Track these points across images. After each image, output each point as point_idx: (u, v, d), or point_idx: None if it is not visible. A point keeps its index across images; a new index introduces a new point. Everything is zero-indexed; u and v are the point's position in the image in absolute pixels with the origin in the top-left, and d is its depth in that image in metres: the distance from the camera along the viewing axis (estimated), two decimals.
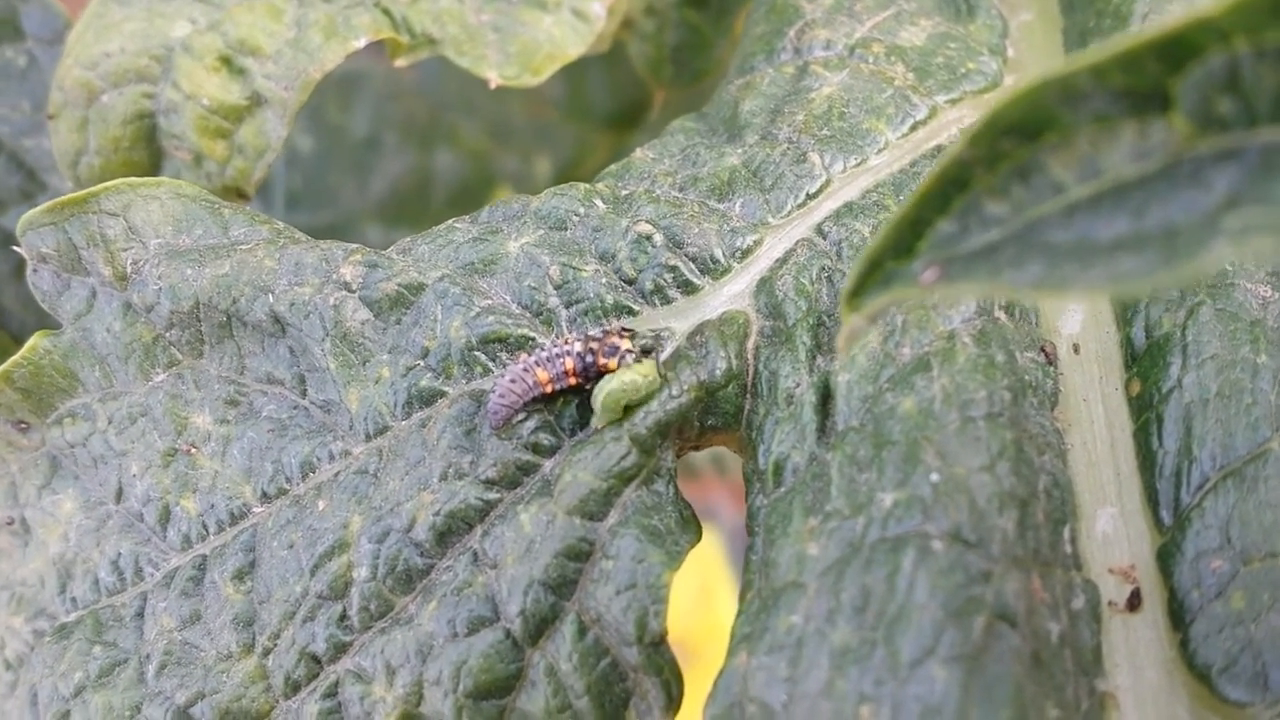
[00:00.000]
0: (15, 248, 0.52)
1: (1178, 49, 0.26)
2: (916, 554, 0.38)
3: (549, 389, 0.45)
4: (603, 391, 0.44)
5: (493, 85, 0.59)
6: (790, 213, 0.49)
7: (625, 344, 0.45)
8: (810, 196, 0.49)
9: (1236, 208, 0.25)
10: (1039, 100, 0.27)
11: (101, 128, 0.59)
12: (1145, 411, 0.44)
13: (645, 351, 0.46)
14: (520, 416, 0.46)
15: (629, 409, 0.44)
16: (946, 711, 0.36)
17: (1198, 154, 0.26)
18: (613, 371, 0.44)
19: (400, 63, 0.60)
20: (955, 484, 0.39)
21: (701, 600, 1.41)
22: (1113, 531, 0.43)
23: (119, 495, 0.51)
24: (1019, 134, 0.28)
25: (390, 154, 1.02)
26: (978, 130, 0.28)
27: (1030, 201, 0.28)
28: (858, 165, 0.50)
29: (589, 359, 0.45)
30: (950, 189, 0.29)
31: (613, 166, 0.52)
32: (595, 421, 0.45)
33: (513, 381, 0.45)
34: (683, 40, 0.70)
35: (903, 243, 0.29)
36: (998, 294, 0.29)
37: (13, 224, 0.73)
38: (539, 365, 0.45)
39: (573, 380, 0.45)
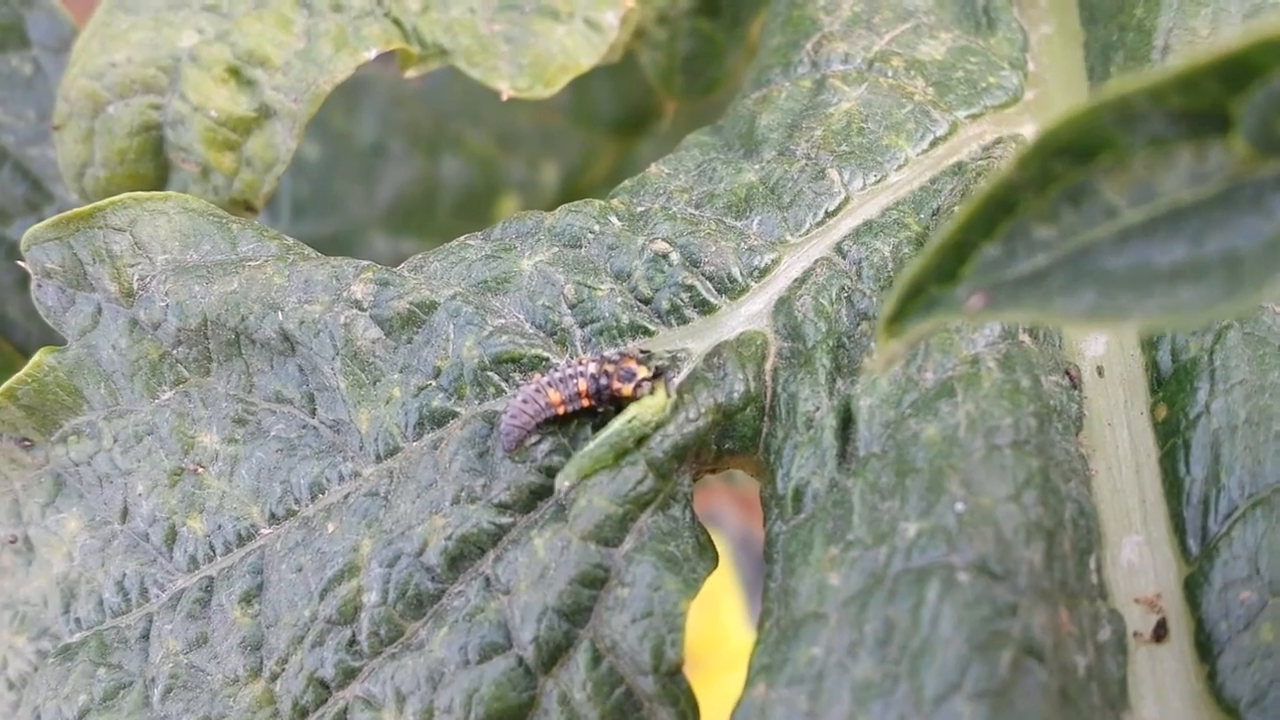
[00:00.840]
0: (20, 262, 0.51)
1: (1238, 69, 0.25)
2: (941, 586, 0.37)
3: (561, 410, 0.44)
4: (612, 435, 0.43)
5: (505, 97, 0.58)
6: (809, 231, 0.48)
7: (642, 371, 0.44)
8: (829, 214, 0.48)
9: None
10: (1093, 121, 0.26)
11: (107, 139, 0.58)
12: (1172, 437, 0.43)
13: (658, 374, 0.45)
14: (534, 439, 0.45)
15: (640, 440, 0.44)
16: None
17: (1259, 178, 0.25)
18: (627, 397, 0.43)
19: (411, 74, 0.59)
20: (981, 514, 0.39)
21: (705, 608, 1.40)
22: (1138, 560, 0.42)
23: (124, 515, 0.50)
24: (1071, 155, 0.27)
25: (396, 161, 1.01)
26: (1028, 152, 0.27)
27: (1081, 226, 0.27)
28: (877, 182, 0.49)
29: (603, 381, 0.44)
30: (997, 212, 0.28)
31: (627, 182, 0.51)
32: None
33: (525, 402, 0.44)
34: (695, 50, 0.69)
35: (946, 267, 0.28)
36: (1048, 323, 0.28)
37: (17, 235, 0.73)
38: (551, 386, 0.44)
39: (586, 402, 0.44)
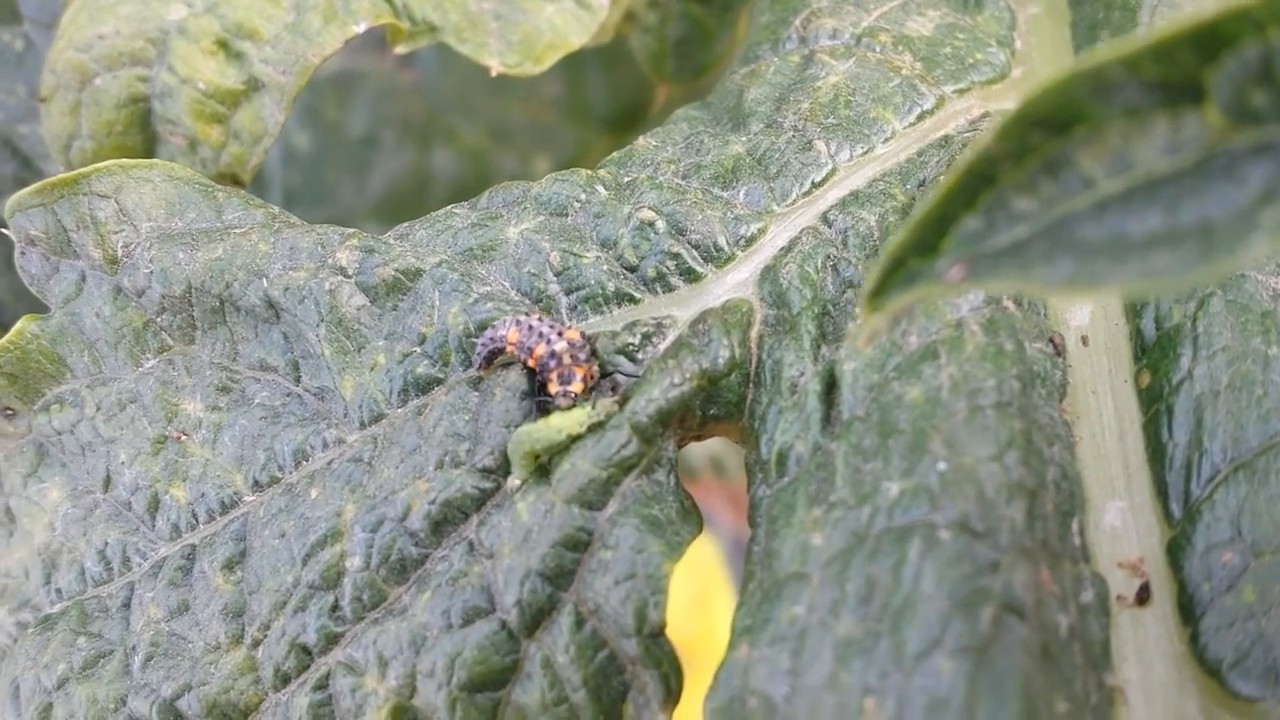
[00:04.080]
0: (3, 230, 0.51)
1: (1212, 39, 0.25)
2: (923, 544, 0.37)
3: (510, 350, 0.44)
4: (515, 441, 0.43)
5: (494, 73, 0.58)
6: (795, 201, 0.48)
7: (576, 386, 0.44)
8: (816, 185, 0.48)
9: (1273, 202, 0.24)
10: (1069, 92, 0.26)
11: (95, 111, 0.58)
12: (1155, 403, 0.43)
13: (591, 390, 0.44)
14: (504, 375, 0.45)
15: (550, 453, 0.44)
16: (953, 704, 0.35)
17: (1232, 148, 0.25)
18: (550, 395, 0.44)
19: (400, 49, 0.59)
20: (963, 473, 0.39)
21: (698, 605, 1.40)
22: (1121, 525, 0.42)
23: (107, 483, 0.50)
24: (1048, 127, 0.27)
25: (388, 153, 1.01)
26: (1006, 123, 0.27)
27: (1059, 197, 0.27)
28: (864, 154, 0.49)
29: (549, 363, 0.44)
30: (976, 184, 0.28)
31: (615, 154, 0.51)
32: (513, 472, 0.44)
33: (499, 327, 0.45)
34: (685, 34, 0.69)
35: (926, 240, 0.28)
36: (1028, 292, 0.29)
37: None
38: (519, 328, 0.44)
39: (530, 362, 0.44)
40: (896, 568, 0.37)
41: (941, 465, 0.39)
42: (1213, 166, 0.26)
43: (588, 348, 0.45)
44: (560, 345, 0.44)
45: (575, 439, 0.44)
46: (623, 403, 0.44)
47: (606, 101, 1.06)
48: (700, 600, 1.41)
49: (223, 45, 0.57)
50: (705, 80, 0.71)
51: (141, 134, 0.58)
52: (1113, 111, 0.26)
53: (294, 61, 0.56)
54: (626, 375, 0.45)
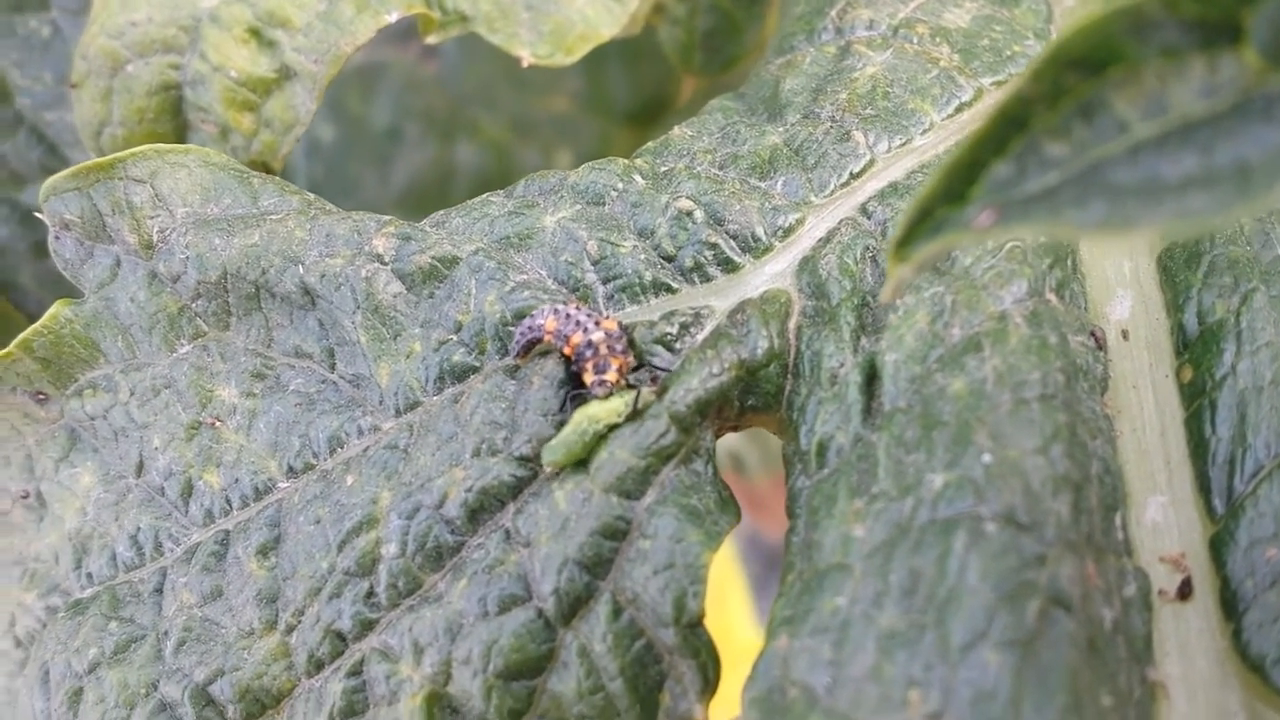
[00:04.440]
0: (37, 213, 0.51)
1: None
2: (968, 536, 0.37)
3: (547, 339, 0.44)
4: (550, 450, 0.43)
5: (525, 63, 0.58)
6: (834, 192, 0.48)
7: (612, 377, 0.43)
8: (854, 176, 0.48)
9: None
10: (1106, 30, 0.26)
11: (126, 98, 0.58)
12: (1198, 398, 0.43)
13: (629, 386, 0.44)
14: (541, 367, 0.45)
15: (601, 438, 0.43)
16: (999, 697, 0.35)
17: (1269, 90, 0.25)
18: (585, 385, 0.43)
19: (431, 39, 0.59)
20: (1008, 466, 0.38)
21: (712, 604, 1.39)
22: (1163, 520, 0.42)
23: (140, 469, 0.50)
24: (1083, 67, 0.26)
25: (412, 145, 1.01)
26: (1041, 64, 0.26)
27: (1093, 142, 0.26)
28: (902, 145, 0.49)
29: (585, 353, 0.43)
30: (1009, 128, 0.27)
31: (650, 144, 0.51)
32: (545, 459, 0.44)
33: (538, 316, 0.44)
34: (714, 26, 0.69)
35: (955, 188, 0.28)
36: (1058, 235, 0.28)
37: (31, 200, 0.73)
38: (557, 317, 0.44)
39: (566, 350, 0.44)
40: (941, 560, 0.37)
41: (986, 457, 0.38)
42: (1250, 109, 0.25)
43: (625, 338, 0.45)
44: (597, 335, 0.44)
45: (612, 428, 0.44)
46: (661, 393, 0.44)
47: (628, 96, 1.06)
48: (714, 599, 1.40)
49: (255, 33, 0.57)
50: (733, 74, 0.71)
51: (173, 121, 0.58)
52: (1149, 51, 0.26)
53: (326, 50, 0.56)
54: (661, 369, 0.45)
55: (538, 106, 1.06)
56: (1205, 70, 0.26)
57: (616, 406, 0.44)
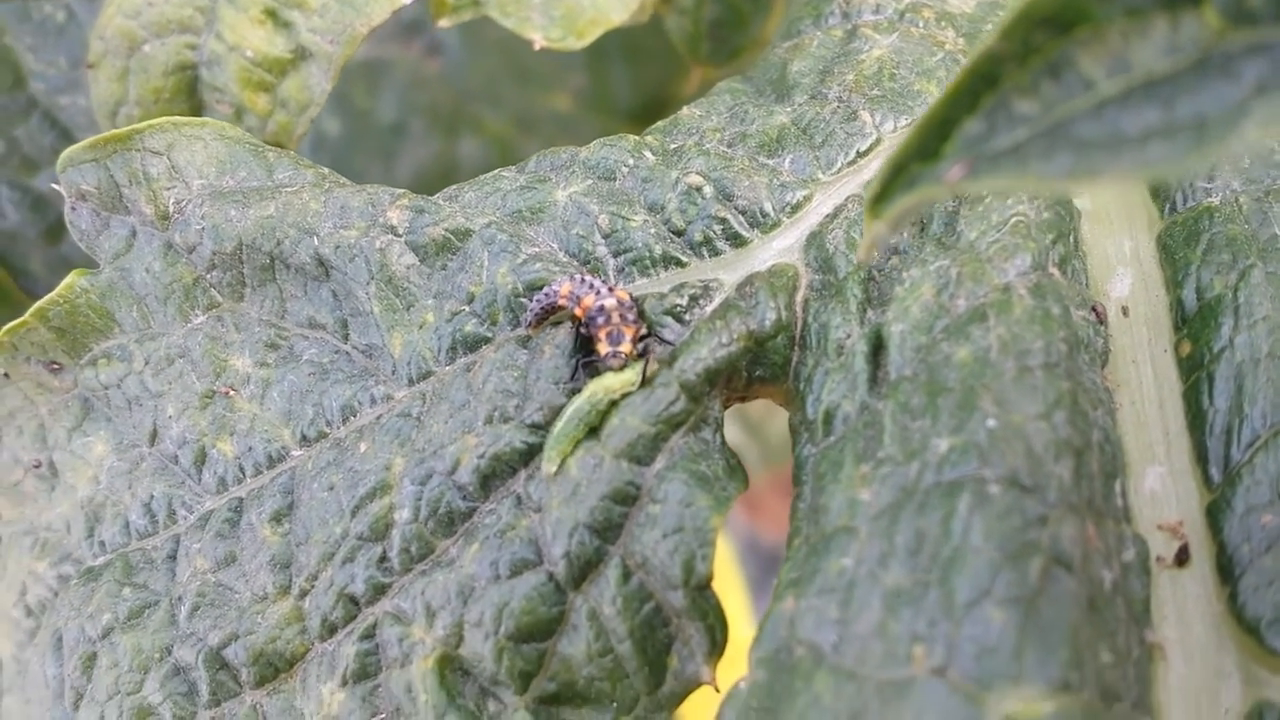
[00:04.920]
0: (55, 185, 0.52)
1: None
2: (972, 498, 0.38)
3: (562, 303, 0.45)
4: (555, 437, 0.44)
5: (537, 46, 0.59)
6: (841, 170, 0.49)
7: (626, 348, 0.44)
8: (861, 154, 0.49)
9: (1265, 95, 0.25)
10: None
11: (142, 78, 0.59)
12: (1196, 371, 0.44)
13: (642, 354, 0.45)
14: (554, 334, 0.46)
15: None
16: (1003, 651, 0.35)
17: (1228, 48, 0.26)
18: (597, 353, 0.44)
19: (444, 23, 0.60)
20: (1012, 430, 0.39)
21: None
22: (1161, 490, 0.43)
23: (153, 437, 0.51)
24: (1051, 26, 0.27)
25: (416, 140, 1.02)
26: (1011, 23, 0.27)
27: (1060, 99, 0.27)
28: (909, 125, 0.50)
29: (598, 319, 0.44)
30: (980, 85, 0.28)
31: (660, 123, 0.52)
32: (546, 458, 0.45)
33: (553, 285, 0.45)
34: (721, 16, 0.70)
35: (929, 145, 0.29)
36: (1025, 187, 0.29)
37: (43, 185, 0.73)
38: (573, 281, 0.45)
39: (578, 312, 0.45)
40: (946, 521, 0.38)
41: (991, 422, 0.39)
42: (1209, 66, 0.26)
43: (635, 309, 0.45)
44: (610, 301, 0.44)
45: (625, 396, 0.44)
46: (670, 362, 0.45)
47: (630, 94, 1.07)
48: None
49: (271, 14, 0.57)
50: (738, 64, 0.72)
51: (188, 101, 0.59)
52: (1114, 11, 0.27)
53: (341, 31, 0.57)
54: (668, 341, 0.46)
55: (540, 104, 1.08)
56: (1168, 29, 0.27)
57: (629, 377, 0.44)
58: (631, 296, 0.46)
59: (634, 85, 1.06)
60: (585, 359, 0.45)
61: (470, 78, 1.06)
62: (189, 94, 0.59)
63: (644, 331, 0.45)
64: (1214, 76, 0.26)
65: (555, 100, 1.07)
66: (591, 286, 0.44)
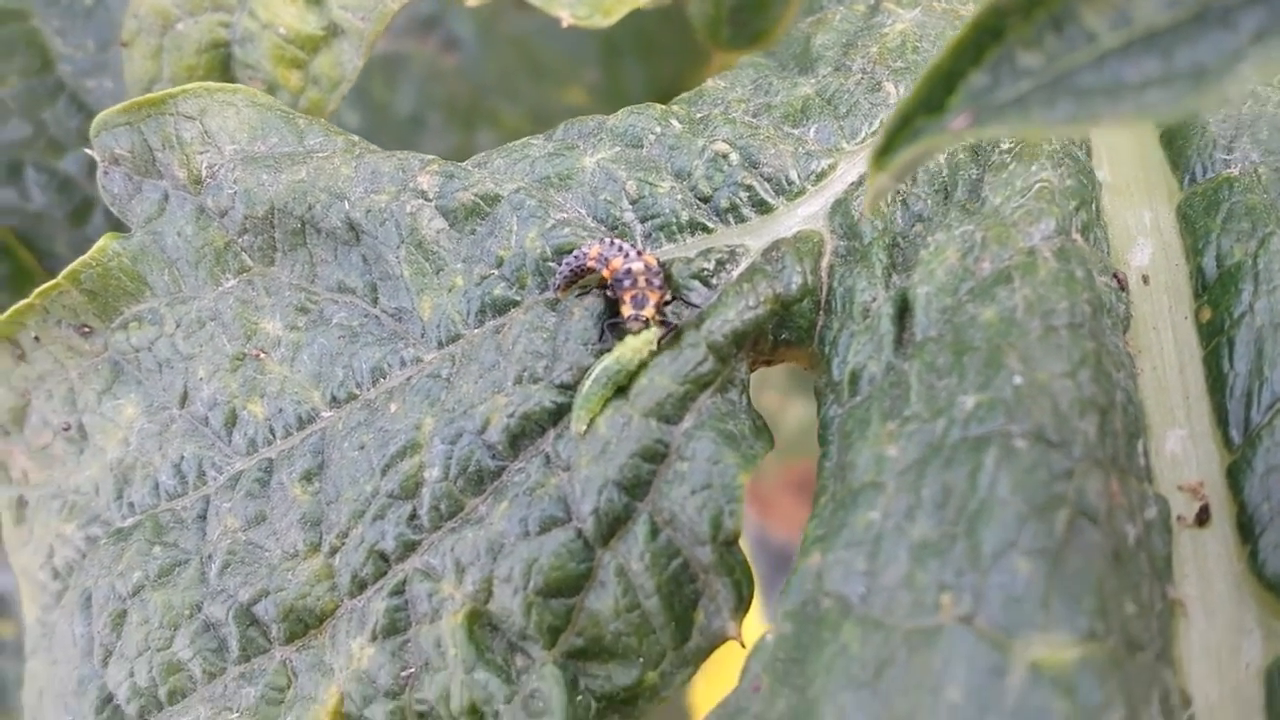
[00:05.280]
0: (88, 150, 0.53)
1: None
2: (999, 452, 0.39)
3: (591, 265, 0.46)
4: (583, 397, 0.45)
5: (565, 24, 0.60)
6: (865, 139, 0.49)
7: (649, 312, 0.45)
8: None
9: (1262, 41, 0.26)
10: None
11: (176, 55, 0.60)
12: (1216, 336, 0.45)
13: (663, 322, 0.46)
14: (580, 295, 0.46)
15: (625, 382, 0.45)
16: (1029, 600, 0.36)
17: (1226, 0, 0.27)
18: (620, 315, 0.45)
19: (471, 2, 0.61)
20: (1038, 387, 0.40)
21: None
22: (1181, 452, 0.44)
23: (184, 399, 0.51)
24: None
25: (434, 133, 1.03)
26: None
27: (1063, 51, 0.28)
28: None
29: (624, 281, 0.45)
30: (985, 38, 0.29)
31: (685, 94, 0.53)
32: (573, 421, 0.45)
33: (584, 249, 0.46)
34: (741, 1, 0.71)
35: (934, 98, 0.29)
36: (1028, 135, 0.30)
37: (70, 168, 0.74)
38: (602, 244, 0.46)
39: (606, 273, 0.46)
40: (973, 474, 0.38)
41: (1017, 379, 0.40)
42: (1208, 17, 0.27)
43: (662, 274, 0.46)
44: (638, 265, 0.45)
45: (643, 363, 0.45)
46: (698, 324, 0.45)
47: (643, 88, 1.08)
48: None
49: None
50: (758, 50, 0.72)
51: (221, 79, 0.60)
52: None
53: (373, 8, 0.58)
54: (695, 305, 0.47)
55: (555, 98, 1.09)
56: None
57: (649, 338, 0.45)
58: (659, 261, 0.46)
59: (647, 80, 1.07)
60: (611, 320, 0.46)
61: (486, 72, 1.07)
62: (222, 71, 0.60)
63: (668, 298, 0.46)
64: (1212, 27, 0.27)
65: (570, 94, 1.08)
66: (620, 249, 0.45)
